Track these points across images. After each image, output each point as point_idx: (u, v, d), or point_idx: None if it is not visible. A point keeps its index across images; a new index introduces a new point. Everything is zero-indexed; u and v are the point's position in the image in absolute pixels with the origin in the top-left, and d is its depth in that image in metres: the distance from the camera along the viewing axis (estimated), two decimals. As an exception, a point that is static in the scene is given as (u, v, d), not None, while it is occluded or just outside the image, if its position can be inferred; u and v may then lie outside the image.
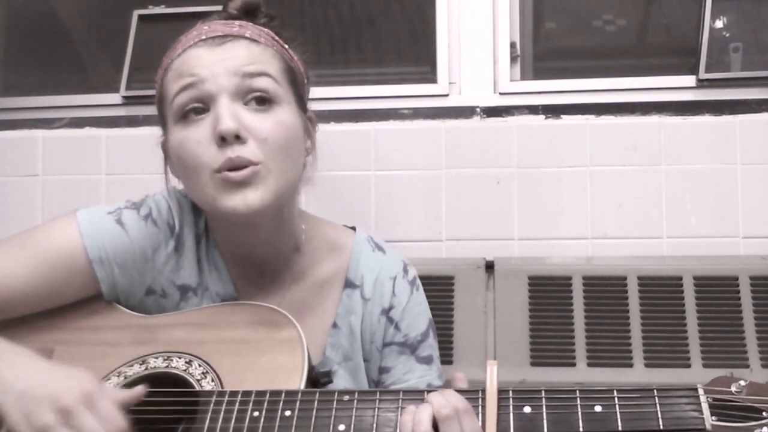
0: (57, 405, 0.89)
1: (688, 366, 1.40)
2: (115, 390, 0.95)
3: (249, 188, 1.00)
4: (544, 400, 0.89)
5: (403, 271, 1.20)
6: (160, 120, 1.11)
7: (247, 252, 1.13)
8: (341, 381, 1.13)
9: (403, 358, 1.17)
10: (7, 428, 0.96)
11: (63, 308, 1.09)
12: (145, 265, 1.10)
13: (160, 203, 1.13)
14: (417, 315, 1.19)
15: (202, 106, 1.03)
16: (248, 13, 1.12)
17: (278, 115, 1.04)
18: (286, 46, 1.12)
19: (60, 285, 1.07)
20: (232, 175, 0.99)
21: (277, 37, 1.11)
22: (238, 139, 1.00)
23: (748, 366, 1.38)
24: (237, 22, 1.09)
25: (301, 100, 1.12)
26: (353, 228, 1.24)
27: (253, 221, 1.06)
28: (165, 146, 1.11)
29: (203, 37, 1.06)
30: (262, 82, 1.04)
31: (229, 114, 1.00)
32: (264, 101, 1.04)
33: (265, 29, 1.11)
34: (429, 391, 0.91)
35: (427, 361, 1.18)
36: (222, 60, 1.04)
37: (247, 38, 1.07)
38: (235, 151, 1.00)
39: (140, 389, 0.94)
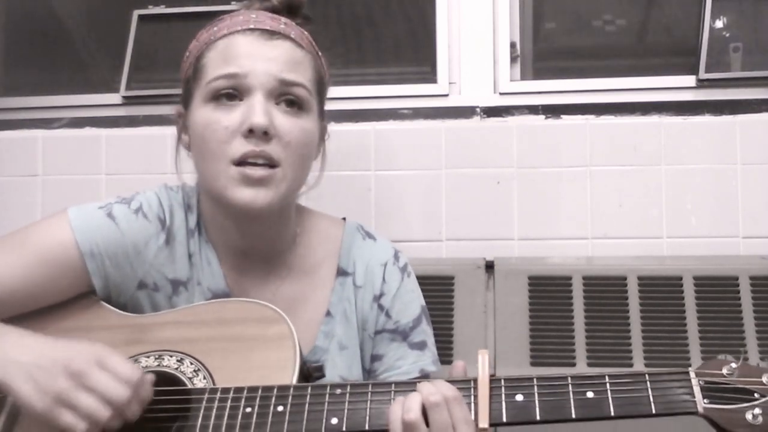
0: (68, 369, 0.90)
1: (689, 366, 1.39)
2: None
3: (262, 187, 1.04)
4: (536, 387, 0.89)
5: (393, 257, 1.21)
6: (184, 92, 1.14)
7: (243, 245, 1.14)
8: (336, 370, 1.13)
9: (394, 345, 1.17)
10: (10, 405, 0.96)
11: (53, 310, 1.10)
12: (137, 258, 1.11)
13: (150, 198, 1.15)
14: (408, 302, 1.19)
15: (236, 94, 1.06)
16: (290, 10, 1.15)
17: (304, 121, 1.09)
18: (320, 55, 1.17)
19: (53, 280, 1.08)
20: (251, 171, 1.03)
21: (314, 44, 1.16)
22: (265, 135, 1.04)
23: (748, 366, 1.38)
24: (282, 19, 1.13)
25: (322, 109, 1.17)
26: (344, 219, 1.25)
27: (256, 215, 1.09)
28: (183, 119, 1.14)
29: (251, 26, 1.09)
30: (297, 91, 1.09)
31: (262, 110, 1.05)
32: (294, 105, 1.08)
33: (306, 33, 1.15)
34: (422, 382, 0.91)
35: (420, 346, 1.18)
36: (267, 58, 1.07)
37: (291, 39, 1.11)
38: (259, 146, 1.04)
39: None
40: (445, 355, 1.43)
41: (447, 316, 1.47)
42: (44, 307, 1.09)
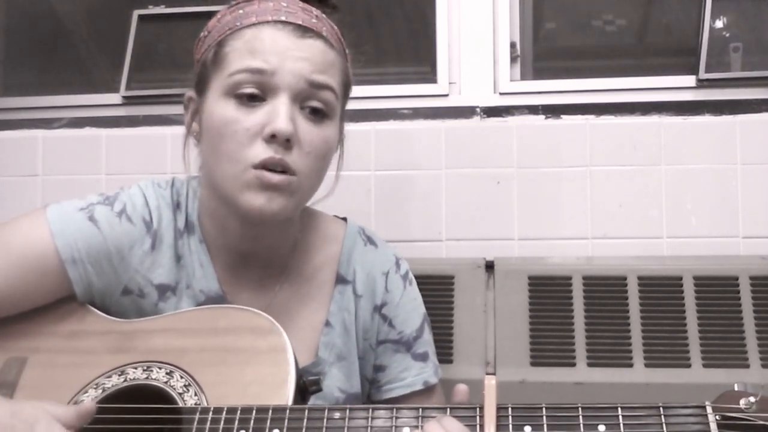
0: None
1: (688, 366, 1.40)
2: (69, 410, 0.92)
3: (277, 194, 1.00)
4: (545, 418, 0.86)
5: (395, 265, 1.19)
6: (199, 75, 1.08)
7: (242, 247, 1.10)
8: (335, 381, 1.12)
9: (398, 356, 1.16)
10: None
11: (36, 311, 1.05)
12: (121, 264, 1.06)
13: (134, 197, 1.10)
14: (411, 311, 1.18)
15: (260, 94, 1.01)
16: None
17: (326, 129, 1.05)
18: (347, 53, 1.12)
19: (31, 287, 1.04)
20: (269, 175, 0.99)
21: (343, 41, 1.11)
22: (287, 142, 0.99)
23: (748, 366, 1.38)
24: (314, 11, 1.07)
25: (344, 114, 1.12)
26: (344, 219, 1.23)
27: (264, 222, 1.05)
28: (195, 105, 1.09)
29: (283, 19, 1.03)
30: (325, 95, 1.04)
31: (287, 115, 0.99)
32: (319, 112, 1.04)
33: (335, 28, 1.09)
34: (424, 408, 0.89)
35: (423, 358, 1.17)
36: (297, 57, 1.01)
37: (324, 38, 1.05)
38: (279, 152, 0.99)
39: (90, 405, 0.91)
40: (444, 354, 1.43)
41: (447, 316, 1.47)
42: (27, 311, 1.05)
